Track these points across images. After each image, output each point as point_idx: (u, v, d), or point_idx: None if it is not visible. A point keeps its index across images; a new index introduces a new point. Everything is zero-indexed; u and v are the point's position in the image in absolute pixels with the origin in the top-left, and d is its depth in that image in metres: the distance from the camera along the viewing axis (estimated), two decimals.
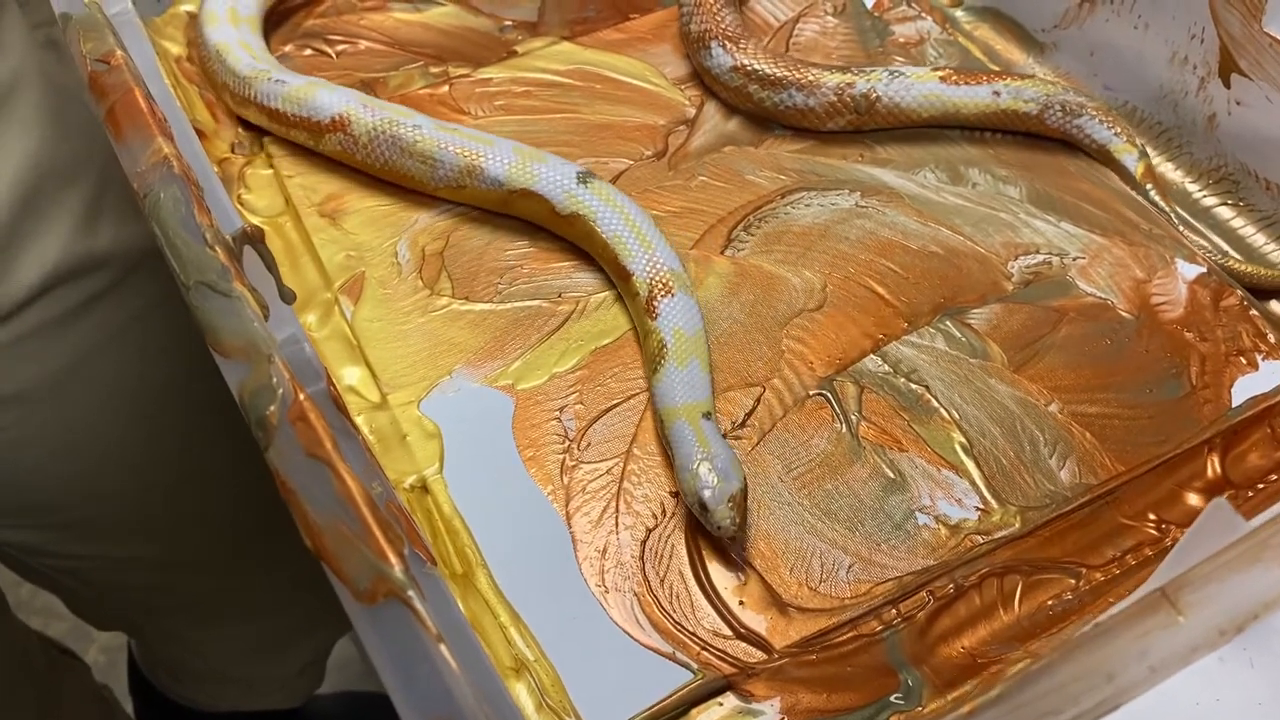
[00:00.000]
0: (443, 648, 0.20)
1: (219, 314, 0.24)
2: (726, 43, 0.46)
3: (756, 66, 0.45)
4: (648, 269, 0.39)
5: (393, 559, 0.20)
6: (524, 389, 0.38)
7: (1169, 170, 0.45)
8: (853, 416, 0.38)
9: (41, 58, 0.46)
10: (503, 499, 0.36)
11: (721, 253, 0.42)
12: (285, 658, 0.72)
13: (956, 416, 0.37)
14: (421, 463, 0.36)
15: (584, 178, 0.40)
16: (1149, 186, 0.43)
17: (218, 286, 0.24)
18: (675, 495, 0.36)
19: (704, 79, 0.48)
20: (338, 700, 0.96)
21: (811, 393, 0.38)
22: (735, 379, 0.38)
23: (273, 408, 0.22)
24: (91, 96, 0.30)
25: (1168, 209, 0.43)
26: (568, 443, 0.37)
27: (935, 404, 0.38)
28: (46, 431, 0.46)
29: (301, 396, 0.22)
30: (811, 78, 0.45)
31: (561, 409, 0.38)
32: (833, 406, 0.38)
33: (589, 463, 0.37)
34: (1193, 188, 0.44)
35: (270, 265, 0.28)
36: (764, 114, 0.46)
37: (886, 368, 0.39)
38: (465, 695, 0.19)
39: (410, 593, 0.20)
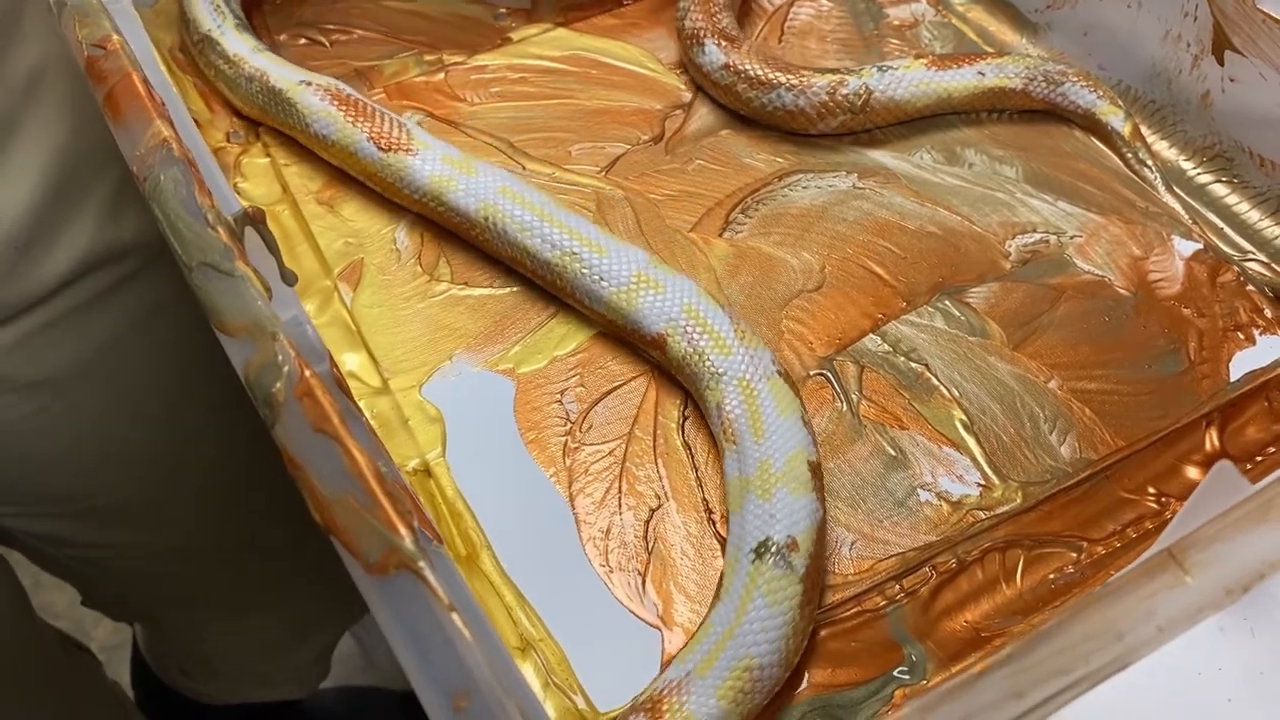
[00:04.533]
0: (455, 617, 0.20)
1: (222, 294, 0.24)
2: (721, 41, 0.45)
3: (746, 66, 0.44)
4: None
5: (403, 530, 0.21)
6: (525, 372, 0.39)
7: (1163, 149, 0.45)
8: (853, 395, 0.38)
9: (65, 47, 0.46)
10: (505, 482, 0.36)
11: (719, 235, 0.42)
12: (301, 648, 0.72)
13: (957, 394, 0.38)
14: (424, 446, 0.36)
15: (766, 551, 0.30)
16: (1138, 146, 0.43)
17: (220, 266, 0.24)
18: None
19: (696, 77, 0.47)
20: (337, 694, 0.97)
21: (812, 373, 0.38)
22: None
23: (279, 384, 0.22)
24: (89, 81, 0.30)
25: (1155, 170, 0.43)
26: (569, 425, 0.37)
27: (935, 382, 0.38)
28: (72, 418, 0.46)
29: (308, 373, 0.22)
30: (801, 77, 0.44)
31: (563, 392, 0.38)
32: (833, 386, 0.38)
33: (591, 444, 0.37)
34: (1187, 165, 0.45)
35: (272, 247, 0.28)
36: (753, 115, 0.45)
37: (886, 347, 0.39)
38: (480, 665, 0.19)
39: (421, 563, 0.20)
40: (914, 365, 0.38)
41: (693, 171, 0.45)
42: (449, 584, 0.21)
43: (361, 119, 0.41)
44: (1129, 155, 0.44)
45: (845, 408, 0.37)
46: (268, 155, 0.45)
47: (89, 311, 0.45)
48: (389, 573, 0.20)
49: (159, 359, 0.48)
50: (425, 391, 0.38)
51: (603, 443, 0.37)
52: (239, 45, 0.44)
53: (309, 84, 0.42)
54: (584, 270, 0.37)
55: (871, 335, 0.39)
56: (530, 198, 0.39)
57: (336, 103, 0.41)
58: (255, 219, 0.27)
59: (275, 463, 0.58)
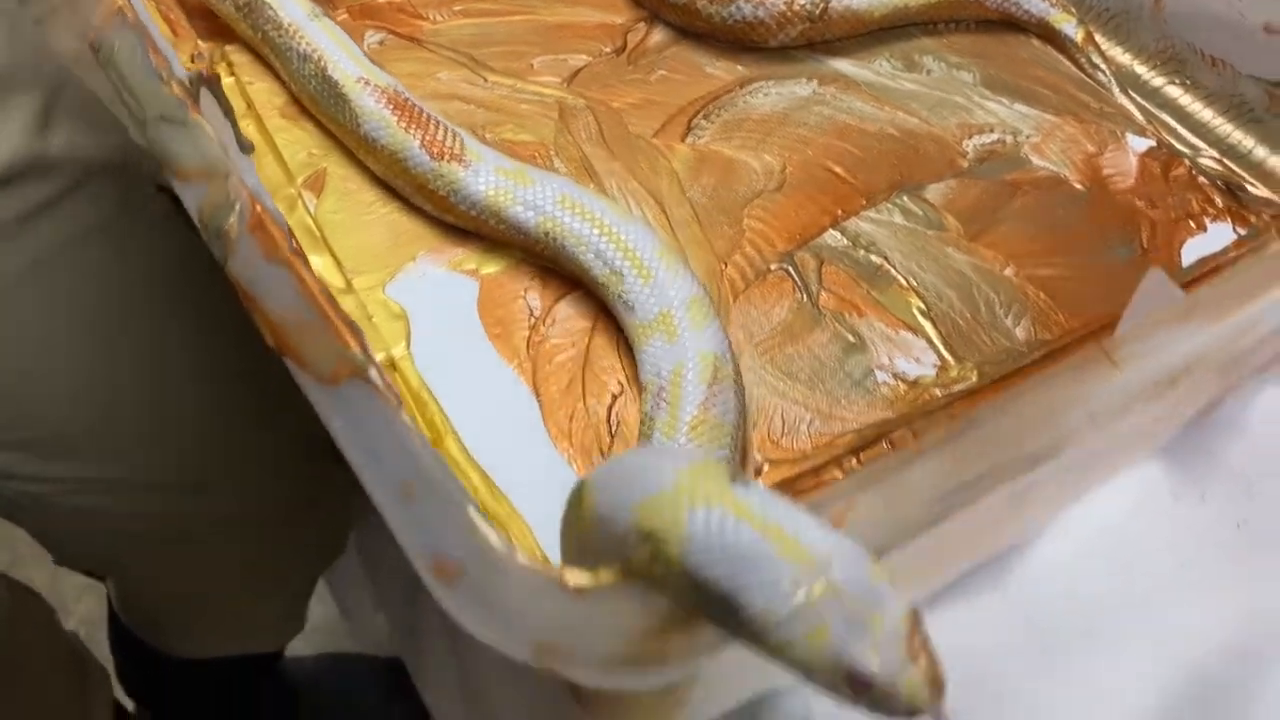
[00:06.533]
0: (404, 414, 0.20)
1: (177, 142, 0.24)
2: None
3: None
4: None
5: (352, 342, 0.21)
6: (488, 273, 0.39)
7: (1117, 54, 0.46)
8: (813, 287, 0.38)
9: None
10: (471, 373, 0.36)
11: (682, 140, 0.43)
12: (270, 591, 0.71)
13: (914, 284, 0.38)
14: (388, 341, 0.37)
15: None
16: (1091, 50, 0.44)
17: (175, 118, 0.24)
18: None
19: (649, 1, 0.47)
20: (319, 661, 0.96)
21: (773, 267, 0.39)
22: (698, 259, 0.39)
23: (232, 219, 0.22)
24: None
25: (1109, 74, 0.44)
26: (534, 320, 0.38)
27: (894, 273, 0.38)
28: (2, 340, 0.45)
29: (259, 208, 0.23)
30: None
31: (526, 290, 0.38)
32: (794, 278, 0.38)
33: (555, 338, 0.37)
34: (1141, 70, 0.45)
35: (227, 111, 0.28)
36: (713, 31, 0.46)
37: (846, 241, 0.39)
38: (428, 454, 0.19)
39: (370, 371, 0.21)
40: (873, 258, 0.39)
41: (655, 81, 0.45)
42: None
43: (415, 126, 0.39)
44: (1083, 60, 0.45)
45: (805, 298, 0.38)
46: (232, 75, 0.45)
47: (18, 227, 0.44)
48: (341, 382, 0.21)
49: (96, 284, 0.48)
50: (389, 290, 0.38)
51: (567, 336, 0.37)
52: (294, 11, 0.42)
53: (367, 82, 0.40)
54: (621, 292, 0.36)
55: (831, 231, 0.40)
56: (590, 205, 0.37)
57: (392, 107, 0.39)
58: (209, 81, 0.27)
59: (222, 397, 0.57)
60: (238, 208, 0.22)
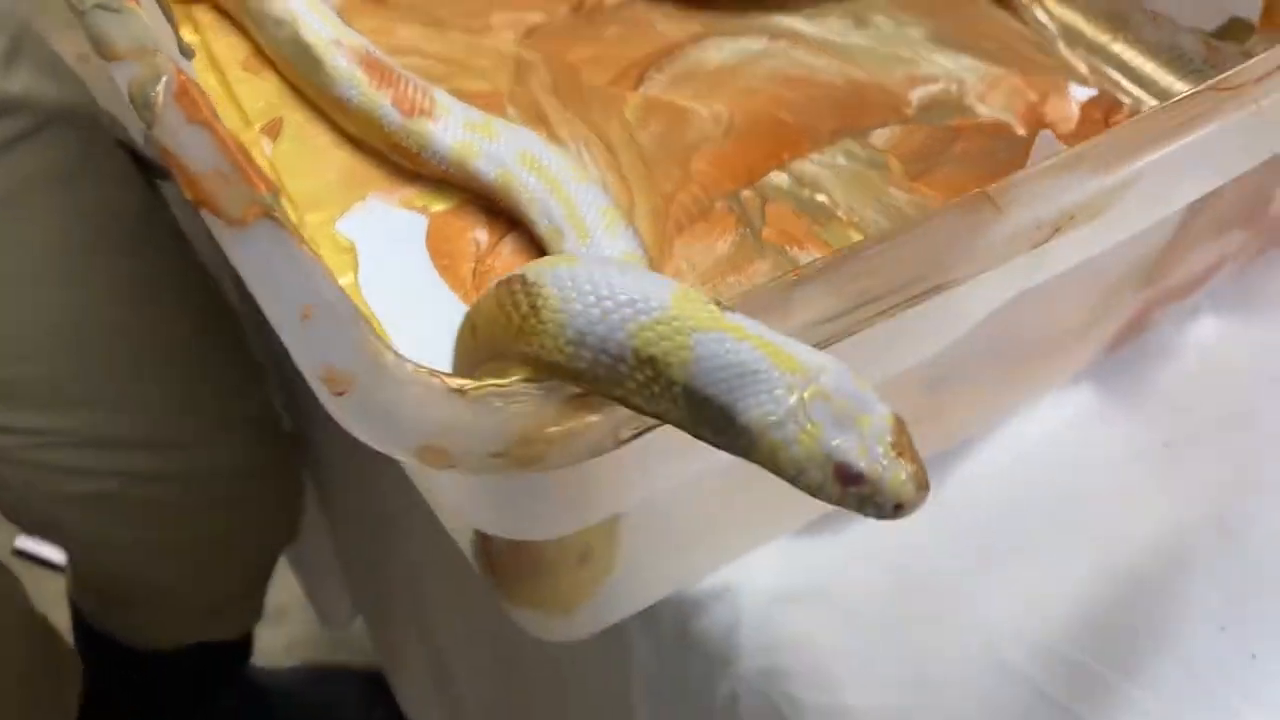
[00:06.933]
0: (305, 247, 0.21)
1: (111, 26, 0.25)
2: None
3: None
4: None
5: (260, 186, 0.22)
6: (438, 210, 0.40)
7: (1065, 13, 0.47)
8: (756, 222, 0.39)
9: None
10: (416, 302, 0.37)
11: (634, 90, 0.44)
12: (217, 571, 0.70)
13: (855, 219, 0.39)
14: (336, 273, 0.37)
15: None
16: (1036, 9, 0.45)
17: (111, 5, 0.25)
18: None
19: None
20: (297, 672, 0.95)
21: (718, 204, 0.40)
22: (643, 199, 0.40)
23: (158, 88, 0.23)
24: None
25: (1055, 30, 0.45)
26: (480, 252, 0.38)
27: (835, 210, 0.39)
28: None
29: (183, 77, 0.23)
30: None
31: (474, 226, 0.39)
32: (737, 215, 0.39)
33: (501, 269, 0.38)
34: (1086, 28, 0.46)
35: (169, 16, 0.29)
36: None
37: (790, 181, 0.40)
38: (326, 283, 0.20)
39: (276, 213, 0.21)
40: (816, 196, 0.40)
41: (609, 37, 0.46)
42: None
43: (385, 85, 0.39)
44: (1029, 18, 0.46)
45: (748, 232, 0.39)
46: (198, 34, 0.46)
47: None
48: (249, 223, 0.21)
49: (58, 232, 0.48)
50: (339, 226, 0.39)
51: (513, 270, 0.38)
52: None
53: (339, 43, 0.40)
54: (560, 249, 0.37)
55: (776, 172, 0.41)
56: (548, 163, 0.38)
57: (364, 67, 0.40)
58: None
59: (182, 354, 0.57)
60: (164, 79, 0.23)
